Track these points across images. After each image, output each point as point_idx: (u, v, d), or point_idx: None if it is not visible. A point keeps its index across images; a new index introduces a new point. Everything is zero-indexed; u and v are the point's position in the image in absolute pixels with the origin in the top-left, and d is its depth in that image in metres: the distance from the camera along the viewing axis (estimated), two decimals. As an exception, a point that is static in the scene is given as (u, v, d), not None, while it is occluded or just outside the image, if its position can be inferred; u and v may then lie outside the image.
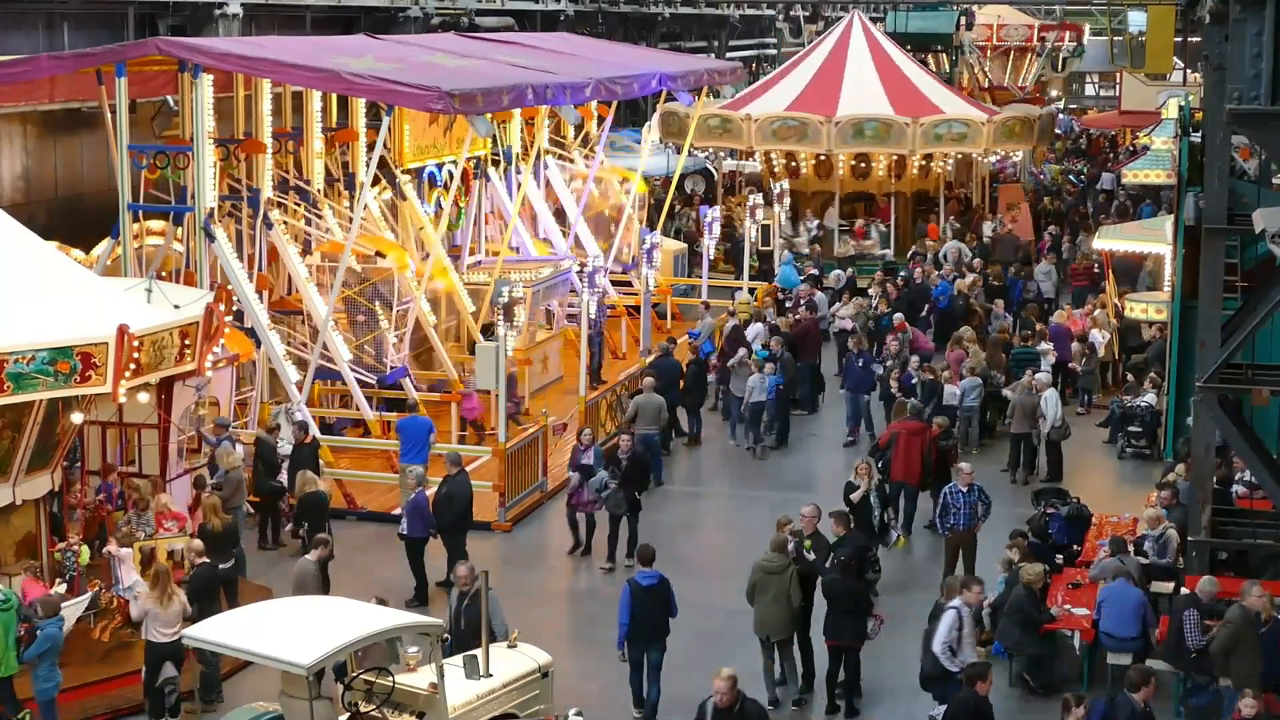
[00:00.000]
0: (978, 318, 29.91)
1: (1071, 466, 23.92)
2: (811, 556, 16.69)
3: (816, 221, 38.56)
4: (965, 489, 18.82)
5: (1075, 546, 18.78)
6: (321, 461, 21.23)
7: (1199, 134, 22.31)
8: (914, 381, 24.47)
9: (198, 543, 16.65)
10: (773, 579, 15.83)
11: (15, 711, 14.97)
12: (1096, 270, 33.32)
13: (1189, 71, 53.94)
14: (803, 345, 27.35)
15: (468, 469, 20.28)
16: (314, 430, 21.91)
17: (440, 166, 28.99)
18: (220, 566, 17.11)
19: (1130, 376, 26.95)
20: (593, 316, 25.68)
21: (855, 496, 18.96)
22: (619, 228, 33.64)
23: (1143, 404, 24.90)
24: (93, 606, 16.94)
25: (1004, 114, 38.98)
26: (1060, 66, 63.11)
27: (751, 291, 32.68)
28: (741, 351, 25.79)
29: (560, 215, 33.20)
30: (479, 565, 17.33)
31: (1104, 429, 25.76)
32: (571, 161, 34.07)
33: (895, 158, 38.04)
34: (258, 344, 22.44)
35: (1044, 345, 26.98)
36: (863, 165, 38.69)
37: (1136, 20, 61.61)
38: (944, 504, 18.83)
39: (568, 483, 21.11)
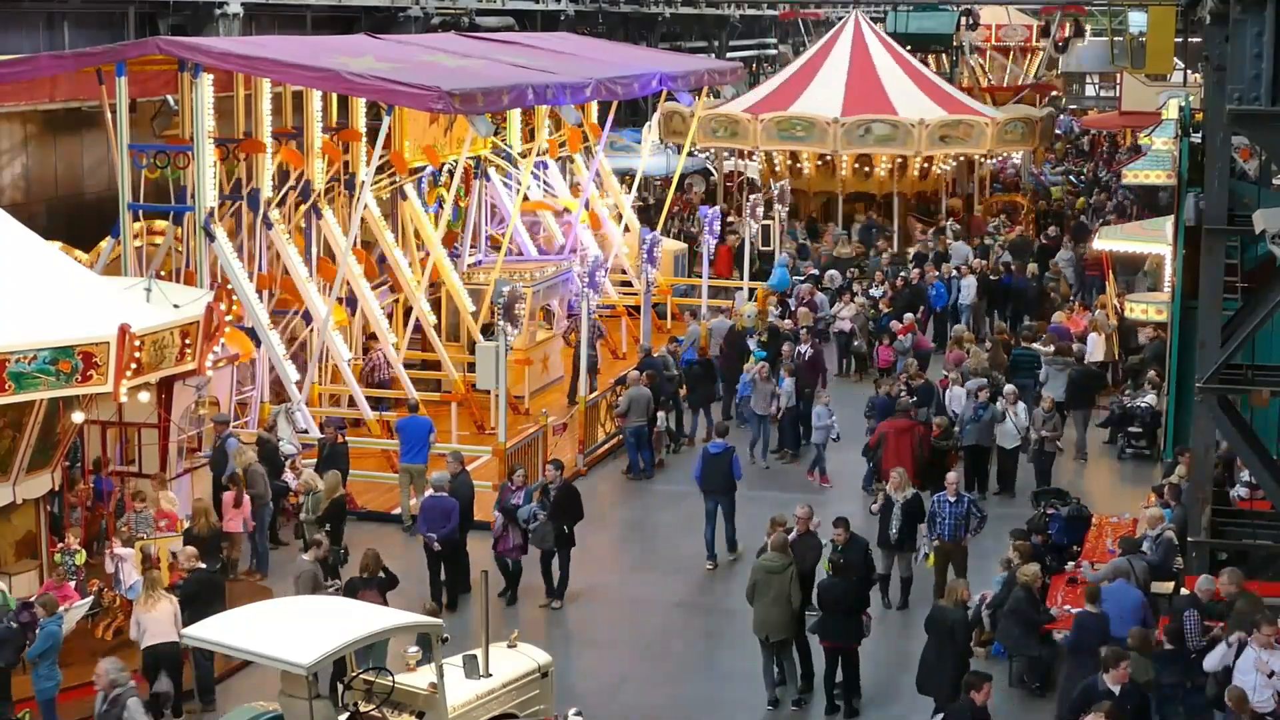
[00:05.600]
0: (1059, 300, 29.96)
1: (1072, 467, 23.92)
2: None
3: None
4: (953, 499, 18.41)
5: (1075, 547, 18.76)
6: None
7: (1199, 134, 22.30)
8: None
9: (190, 548, 16.61)
10: (773, 579, 15.84)
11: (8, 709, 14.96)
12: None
13: (1189, 72, 53.88)
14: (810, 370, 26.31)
15: (468, 468, 20.27)
16: (313, 429, 21.88)
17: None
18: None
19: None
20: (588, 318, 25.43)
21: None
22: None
23: (1142, 404, 24.88)
24: (94, 606, 16.93)
25: (942, 117, 38.50)
26: (1063, 49, 63.22)
27: (751, 292, 32.66)
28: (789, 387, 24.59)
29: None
30: (479, 565, 17.39)
31: (1104, 429, 25.75)
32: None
33: (863, 159, 38.42)
34: (258, 344, 22.43)
35: (1045, 346, 26.91)
36: (829, 165, 39.20)
37: (1137, 20, 61.51)
38: (930, 513, 18.60)
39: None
